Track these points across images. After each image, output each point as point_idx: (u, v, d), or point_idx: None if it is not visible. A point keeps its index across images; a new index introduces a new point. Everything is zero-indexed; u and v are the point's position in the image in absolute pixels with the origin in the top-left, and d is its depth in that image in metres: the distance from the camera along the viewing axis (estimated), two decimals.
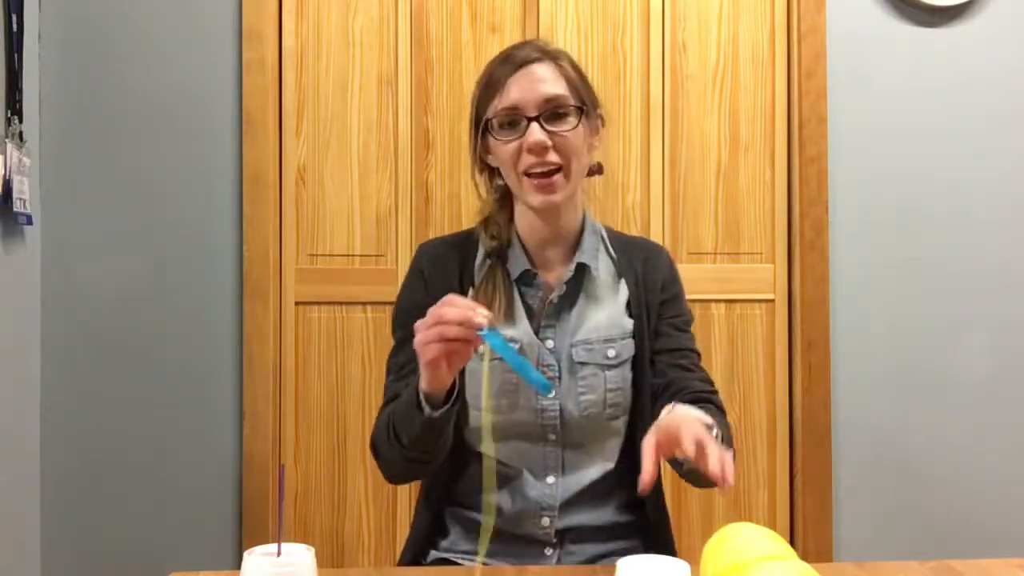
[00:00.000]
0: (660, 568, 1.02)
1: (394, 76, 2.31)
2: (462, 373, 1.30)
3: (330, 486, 2.29)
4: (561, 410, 1.40)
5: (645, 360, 1.45)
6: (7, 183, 1.97)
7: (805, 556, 1.12)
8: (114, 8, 2.22)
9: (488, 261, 1.45)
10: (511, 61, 1.40)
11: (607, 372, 1.41)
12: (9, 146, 1.99)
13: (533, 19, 2.33)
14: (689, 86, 2.37)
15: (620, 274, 1.48)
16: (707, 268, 2.34)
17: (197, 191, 2.24)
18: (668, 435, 1.13)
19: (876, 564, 1.33)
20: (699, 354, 1.50)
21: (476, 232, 1.49)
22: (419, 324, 1.19)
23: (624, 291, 1.47)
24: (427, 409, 1.24)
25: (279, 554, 1.02)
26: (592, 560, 1.41)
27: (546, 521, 1.40)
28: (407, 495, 2.28)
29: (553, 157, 1.37)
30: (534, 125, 1.36)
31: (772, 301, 2.38)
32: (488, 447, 1.38)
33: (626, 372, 1.43)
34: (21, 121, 2.04)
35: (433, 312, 1.18)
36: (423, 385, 1.23)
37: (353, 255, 2.30)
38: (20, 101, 2.04)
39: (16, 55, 2.03)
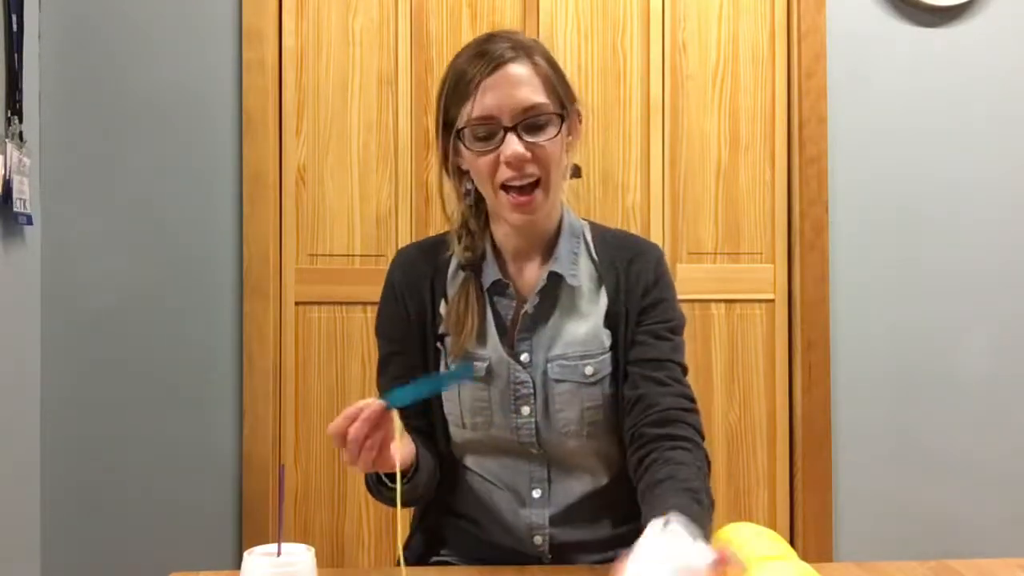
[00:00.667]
0: (681, 550, 0.99)
1: (394, 76, 2.31)
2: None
3: (330, 486, 2.29)
4: (537, 428, 1.35)
5: (621, 374, 1.36)
6: (7, 183, 1.97)
7: (805, 556, 1.12)
8: (114, 8, 2.22)
9: (461, 273, 1.37)
10: (483, 59, 1.28)
11: (584, 390, 1.34)
12: (9, 146, 1.99)
13: (533, 19, 2.33)
14: (689, 86, 2.37)
15: (601, 279, 1.38)
16: (707, 268, 2.34)
17: (197, 191, 2.24)
18: None
19: (876, 564, 1.33)
20: (683, 365, 1.37)
21: (449, 237, 1.40)
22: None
23: (604, 299, 1.37)
24: (388, 483, 1.23)
25: (279, 554, 1.02)
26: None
27: (539, 540, 1.37)
28: None
29: (532, 169, 1.27)
30: (511, 137, 1.26)
31: (772, 301, 2.38)
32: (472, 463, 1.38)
33: (605, 389, 1.35)
34: (21, 121, 2.04)
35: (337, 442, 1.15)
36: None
37: (353, 255, 2.30)
38: (20, 101, 2.04)
39: (16, 55, 2.03)
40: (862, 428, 2.36)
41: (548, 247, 1.38)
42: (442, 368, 1.36)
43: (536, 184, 1.29)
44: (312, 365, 2.29)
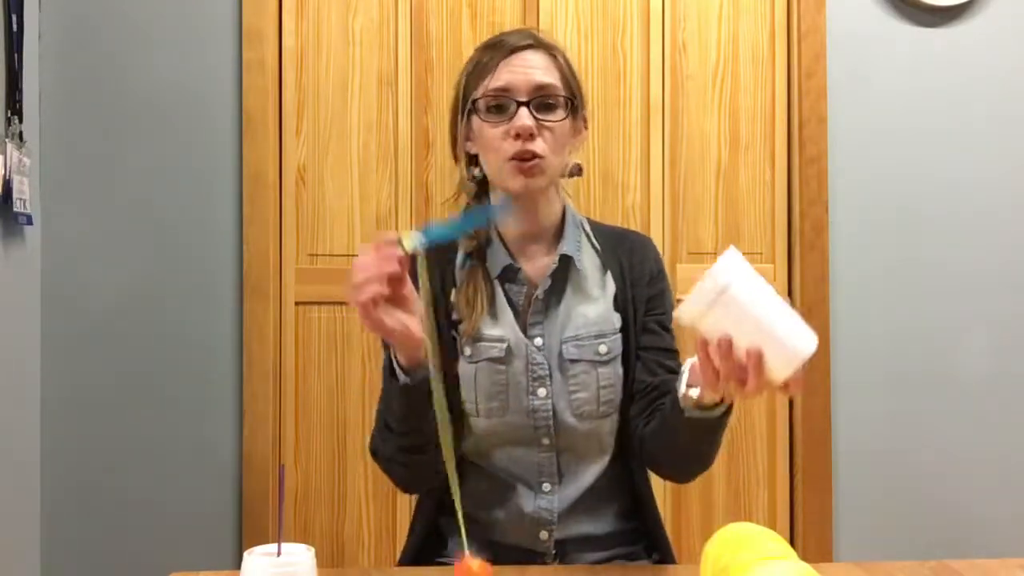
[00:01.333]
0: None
1: (394, 76, 2.31)
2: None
3: (330, 486, 2.29)
4: (554, 410, 1.37)
5: (632, 357, 1.41)
6: (7, 183, 1.97)
7: (805, 556, 1.12)
8: (114, 8, 2.22)
9: (469, 262, 1.40)
10: (504, 46, 1.37)
11: (599, 369, 1.38)
12: (9, 146, 1.99)
13: (533, 19, 2.33)
14: (689, 86, 2.37)
15: (605, 267, 1.44)
16: (707, 268, 2.34)
17: (197, 191, 2.24)
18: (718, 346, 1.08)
19: (876, 564, 1.33)
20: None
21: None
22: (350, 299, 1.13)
23: (611, 284, 1.43)
24: (401, 376, 1.20)
25: (279, 554, 1.02)
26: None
27: (544, 535, 1.38)
28: (407, 495, 2.28)
29: (538, 145, 1.34)
30: (523, 110, 1.33)
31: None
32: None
33: (617, 368, 1.40)
34: (21, 121, 2.04)
35: (348, 286, 1.11)
36: (400, 359, 1.20)
37: (353, 255, 2.28)
38: (20, 101, 2.04)
39: (16, 55, 2.03)
40: (862, 428, 2.36)
41: (554, 235, 1.43)
42: (460, 356, 1.37)
43: (540, 159, 1.35)
44: (312, 365, 2.29)
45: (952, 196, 2.39)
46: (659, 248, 1.56)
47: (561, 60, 1.40)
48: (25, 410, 2.15)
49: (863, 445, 2.36)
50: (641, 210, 2.34)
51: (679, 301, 1.17)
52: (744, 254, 1.13)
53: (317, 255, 2.30)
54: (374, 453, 1.37)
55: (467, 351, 1.36)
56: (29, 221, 2.08)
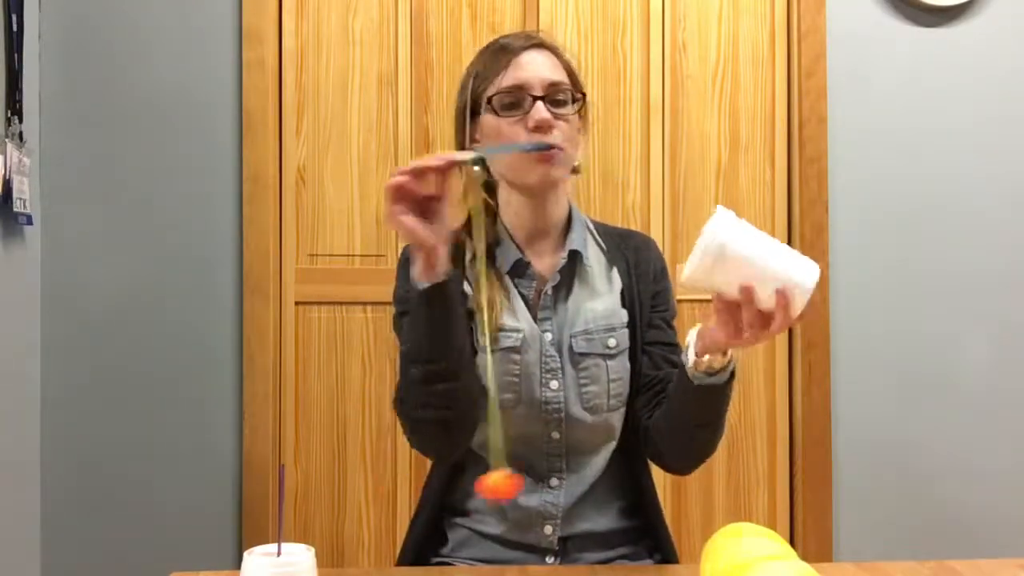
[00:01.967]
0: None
1: (394, 76, 2.31)
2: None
3: (330, 486, 2.29)
4: (565, 402, 1.38)
5: (638, 352, 1.44)
6: (7, 183, 1.97)
7: (805, 556, 1.12)
8: (114, 8, 2.22)
9: (477, 259, 1.40)
10: (511, 48, 1.40)
11: (608, 362, 1.40)
12: (9, 146, 1.99)
13: (533, 19, 2.33)
14: (689, 86, 2.37)
15: (611, 263, 1.46)
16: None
17: (197, 191, 2.24)
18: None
19: (876, 564, 1.33)
20: None
21: (460, 232, 1.43)
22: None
23: (617, 280, 1.45)
24: (420, 284, 1.20)
25: (279, 554, 1.02)
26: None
27: (548, 529, 1.39)
28: (407, 495, 2.28)
29: (555, 137, 1.36)
30: (539, 104, 1.36)
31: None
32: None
33: (625, 362, 1.42)
34: (21, 121, 2.04)
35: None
36: (415, 272, 1.20)
37: (353, 255, 2.30)
38: (20, 101, 2.04)
39: (16, 55, 2.03)
40: (862, 428, 2.36)
41: (561, 231, 1.45)
42: (476, 347, 1.36)
43: (556, 147, 1.36)
44: (312, 365, 2.29)
45: (952, 196, 2.39)
46: (659, 248, 1.56)
47: (565, 60, 1.43)
48: (25, 410, 2.15)
49: (863, 446, 2.36)
50: (641, 210, 2.34)
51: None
52: None
53: (317, 255, 2.30)
54: (401, 403, 1.31)
55: (482, 342, 1.37)
56: (29, 221, 2.08)
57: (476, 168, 1.20)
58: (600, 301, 1.42)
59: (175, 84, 2.23)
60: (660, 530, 1.46)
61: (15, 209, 2.00)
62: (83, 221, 2.21)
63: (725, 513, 2.36)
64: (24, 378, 2.14)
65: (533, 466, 1.39)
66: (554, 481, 1.39)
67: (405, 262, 1.45)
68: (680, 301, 1.61)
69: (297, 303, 2.29)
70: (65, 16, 2.20)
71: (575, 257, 1.43)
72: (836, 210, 2.35)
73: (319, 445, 2.29)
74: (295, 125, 2.30)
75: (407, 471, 2.29)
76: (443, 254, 1.19)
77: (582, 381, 1.39)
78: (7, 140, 1.99)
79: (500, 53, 1.40)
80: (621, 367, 1.41)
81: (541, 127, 1.35)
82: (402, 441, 2.29)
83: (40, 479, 2.19)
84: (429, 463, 1.51)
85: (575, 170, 1.46)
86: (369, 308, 2.29)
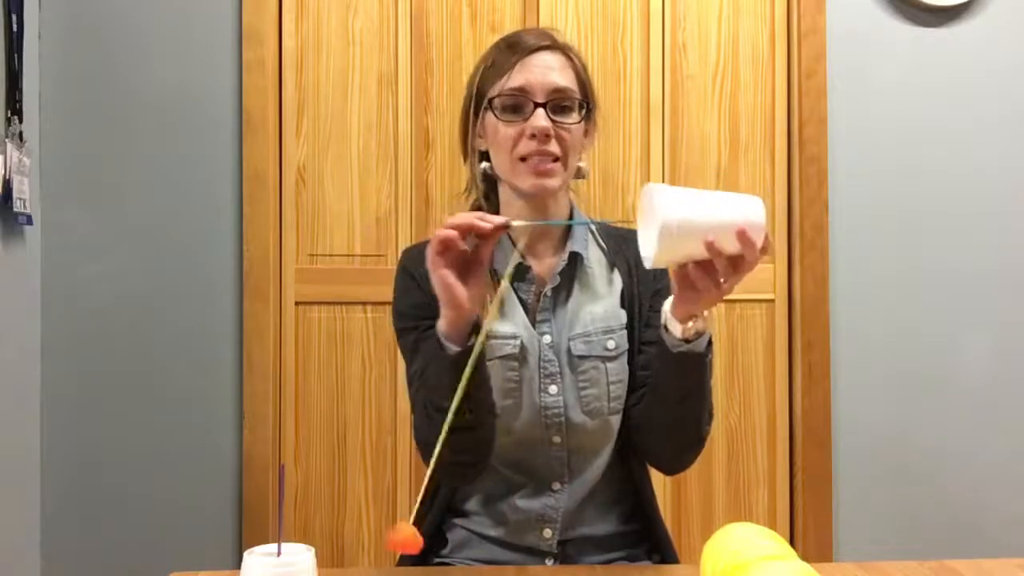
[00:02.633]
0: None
1: (394, 76, 2.31)
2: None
3: (330, 486, 2.29)
4: (565, 407, 1.37)
5: (636, 353, 1.43)
6: (7, 183, 1.97)
7: (805, 556, 1.12)
8: (114, 8, 2.22)
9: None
10: (522, 45, 1.38)
11: (608, 364, 1.39)
12: (9, 146, 1.99)
13: (533, 19, 2.33)
14: (689, 86, 2.37)
15: (612, 264, 1.45)
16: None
17: (197, 191, 2.24)
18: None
19: (876, 564, 1.33)
20: None
21: None
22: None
23: (618, 281, 1.44)
24: (449, 347, 1.18)
25: (279, 554, 1.02)
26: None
27: (547, 532, 1.38)
28: (407, 495, 2.28)
29: (553, 147, 1.35)
30: (540, 111, 1.34)
31: (772, 301, 2.38)
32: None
33: (624, 364, 1.41)
34: (21, 121, 2.04)
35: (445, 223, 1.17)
36: (441, 325, 1.19)
37: (353, 255, 2.30)
38: (20, 101, 2.04)
39: (16, 55, 2.03)
40: (862, 428, 2.36)
41: (562, 234, 1.44)
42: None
43: (554, 160, 1.36)
44: (312, 365, 2.29)
45: (952, 196, 2.39)
46: None
47: (577, 62, 1.42)
48: (25, 410, 2.15)
49: (863, 445, 2.36)
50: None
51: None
52: None
53: (317, 255, 2.30)
54: (425, 445, 1.27)
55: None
56: (29, 221, 2.08)
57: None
58: (600, 303, 1.42)
59: (175, 84, 2.23)
60: (659, 533, 1.45)
61: (15, 209, 2.00)
62: (83, 221, 2.21)
63: (725, 513, 2.36)
64: (24, 378, 2.14)
65: (535, 471, 1.39)
66: (556, 485, 1.39)
67: (403, 271, 1.45)
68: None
69: (297, 303, 2.29)
70: (65, 16, 2.20)
71: (575, 259, 1.42)
72: (836, 210, 2.35)
73: (319, 445, 2.29)
74: (295, 125, 2.30)
75: (407, 471, 2.29)
76: (471, 316, 1.18)
77: (581, 385, 1.38)
78: (7, 140, 1.99)
79: (511, 50, 1.38)
80: (620, 369, 1.40)
81: (537, 136, 1.34)
82: (402, 441, 2.29)
83: (40, 479, 2.19)
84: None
85: (579, 173, 1.46)
86: (369, 308, 2.29)
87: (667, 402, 1.32)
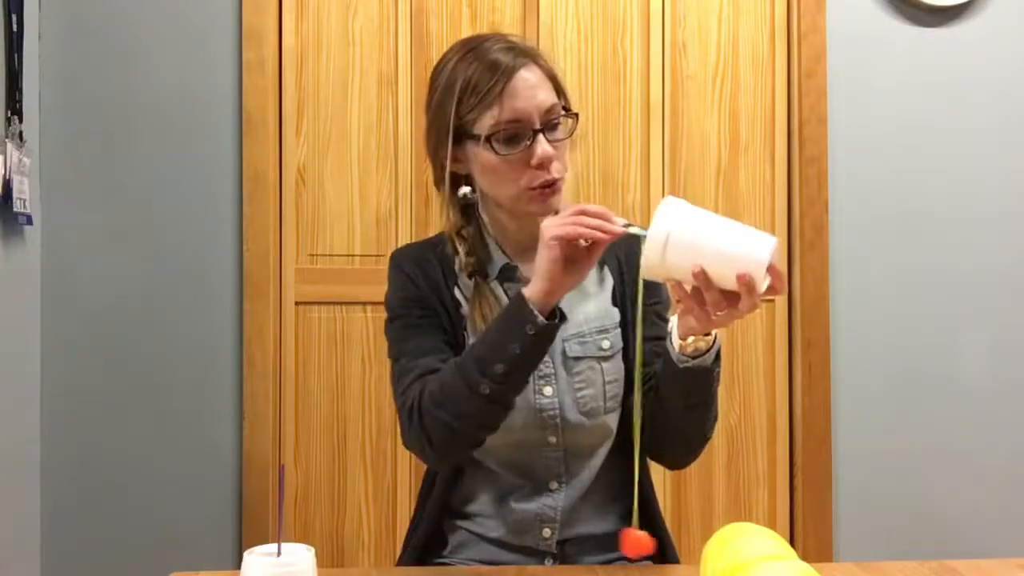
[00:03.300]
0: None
1: (394, 76, 2.31)
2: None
3: (330, 486, 2.29)
4: (561, 408, 1.37)
5: (631, 351, 1.41)
6: (7, 183, 1.97)
7: (805, 556, 1.12)
8: (114, 8, 2.22)
9: (473, 279, 1.39)
10: (498, 67, 1.31)
11: (603, 364, 1.39)
12: (9, 146, 1.99)
13: (533, 19, 2.33)
14: (689, 86, 2.37)
15: (602, 262, 1.44)
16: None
17: (197, 191, 2.24)
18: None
19: (876, 564, 1.33)
20: None
21: (446, 237, 1.44)
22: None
23: (609, 279, 1.43)
24: (539, 317, 1.20)
25: (279, 554, 1.02)
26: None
27: (547, 532, 1.38)
28: (407, 495, 2.28)
29: (557, 169, 1.33)
30: (540, 137, 1.31)
31: (772, 301, 2.38)
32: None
33: (619, 363, 1.40)
34: (21, 121, 2.04)
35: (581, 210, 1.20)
36: (527, 291, 1.21)
37: (353, 255, 2.30)
38: (20, 101, 2.04)
39: (16, 55, 2.03)
40: (862, 428, 2.36)
41: None
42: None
43: (556, 179, 1.34)
44: (312, 365, 2.29)
45: (952, 196, 2.39)
46: None
47: (547, 67, 1.37)
48: (25, 410, 2.15)
49: (863, 445, 2.36)
50: (641, 210, 2.34)
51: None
52: None
53: (317, 255, 2.30)
54: (434, 405, 1.28)
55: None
56: (29, 221, 2.08)
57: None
58: (592, 303, 1.41)
59: (175, 84, 2.23)
60: (659, 532, 1.45)
61: (15, 209, 2.00)
62: (83, 221, 2.21)
63: (725, 513, 2.36)
64: (24, 378, 2.14)
65: (532, 471, 1.39)
66: (553, 485, 1.39)
67: (396, 267, 1.45)
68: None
69: (297, 303, 2.29)
70: (65, 16, 2.20)
71: None
72: (836, 210, 2.35)
73: (319, 445, 2.29)
74: (295, 125, 2.30)
75: (407, 471, 2.29)
76: (556, 299, 1.22)
77: (577, 385, 1.38)
78: (7, 140, 1.99)
79: (490, 71, 1.31)
80: (615, 368, 1.40)
81: (544, 164, 1.31)
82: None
83: (40, 479, 2.19)
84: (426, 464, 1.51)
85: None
86: (369, 308, 2.29)
87: (673, 410, 1.32)
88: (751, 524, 1.13)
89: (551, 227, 1.20)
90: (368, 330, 2.29)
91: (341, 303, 2.29)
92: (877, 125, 2.37)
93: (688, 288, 1.16)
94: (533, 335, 1.21)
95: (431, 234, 1.55)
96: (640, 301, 1.24)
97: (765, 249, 1.10)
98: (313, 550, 1.04)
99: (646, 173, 2.35)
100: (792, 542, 2.31)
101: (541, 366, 1.36)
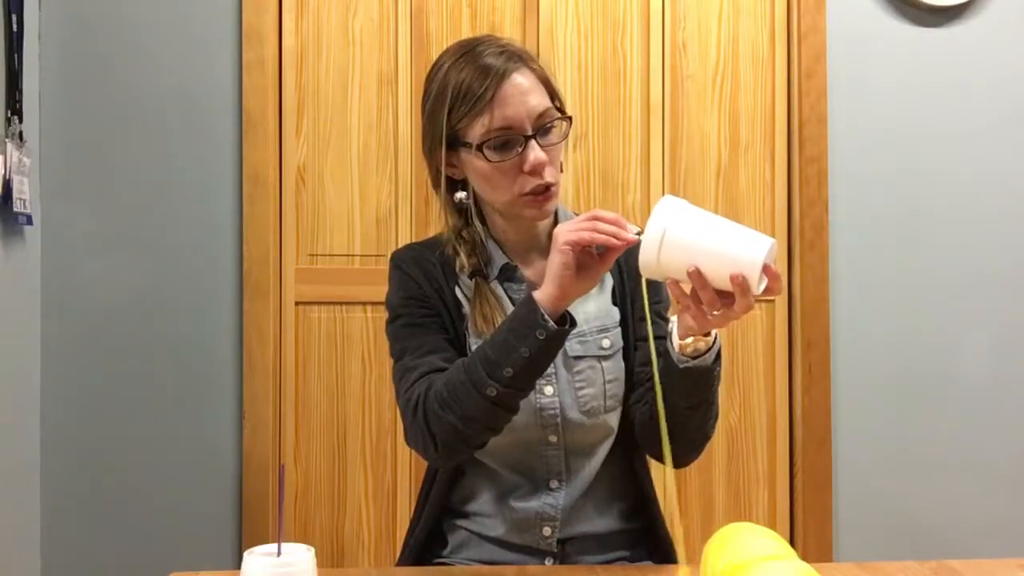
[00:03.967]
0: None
1: (394, 76, 2.31)
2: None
3: (330, 486, 2.29)
4: (561, 408, 1.38)
5: (631, 350, 1.42)
6: (7, 183, 1.97)
7: (805, 556, 1.12)
8: (114, 8, 2.22)
9: (472, 280, 1.40)
10: (489, 72, 1.31)
11: (604, 363, 1.39)
12: (9, 146, 1.99)
13: (533, 19, 2.33)
14: (689, 86, 2.37)
15: None
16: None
17: (197, 191, 2.24)
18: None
19: (876, 564, 1.33)
20: None
21: (444, 239, 1.44)
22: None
23: (608, 279, 1.44)
24: (550, 322, 1.19)
25: (279, 554, 1.02)
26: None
27: (547, 531, 1.38)
28: (407, 495, 2.28)
29: (550, 174, 1.33)
30: (532, 143, 1.31)
31: (772, 301, 2.38)
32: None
33: (620, 361, 1.41)
34: (21, 121, 2.04)
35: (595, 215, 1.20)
36: (538, 295, 1.21)
37: (353, 255, 2.30)
38: (20, 101, 2.04)
39: (16, 55, 2.03)
40: (862, 428, 2.36)
41: (548, 237, 1.42)
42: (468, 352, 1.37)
43: (550, 184, 1.34)
44: (312, 365, 2.29)
45: (952, 196, 2.39)
46: None
47: (539, 71, 1.37)
48: (25, 410, 2.15)
49: (863, 445, 2.36)
50: (641, 210, 2.34)
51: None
52: None
53: (317, 255, 2.30)
54: (440, 406, 1.27)
55: (473, 348, 1.37)
56: (29, 221, 2.08)
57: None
58: (592, 302, 1.41)
59: (175, 84, 2.23)
60: (660, 532, 1.45)
61: (15, 209, 2.00)
62: (83, 221, 2.21)
63: (725, 513, 2.36)
64: (24, 378, 2.14)
65: (533, 470, 1.39)
66: (554, 483, 1.39)
67: (396, 267, 1.45)
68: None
69: (297, 303, 2.29)
70: (65, 16, 2.20)
71: None
72: (836, 210, 2.35)
73: (319, 445, 2.29)
74: (295, 125, 2.30)
75: (407, 471, 2.30)
76: (566, 304, 1.22)
77: (578, 384, 1.38)
78: (7, 140, 1.99)
79: (481, 78, 1.31)
80: (616, 367, 1.40)
81: (537, 171, 1.31)
82: (403, 441, 2.29)
83: (40, 479, 2.19)
84: (427, 464, 1.51)
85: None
86: (369, 308, 2.29)
87: (674, 410, 1.32)
88: (751, 524, 1.13)
89: (564, 232, 1.20)
90: (368, 330, 2.29)
91: (341, 303, 2.29)
92: (877, 125, 2.37)
93: (687, 288, 1.16)
94: (543, 340, 1.20)
95: (431, 234, 1.55)
96: (647, 300, 1.24)
97: (761, 250, 1.10)
98: (313, 550, 1.04)
99: (646, 173, 2.35)
100: (792, 542, 2.31)
101: None
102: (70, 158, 2.21)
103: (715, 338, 1.26)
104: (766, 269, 1.11)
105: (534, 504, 1.38)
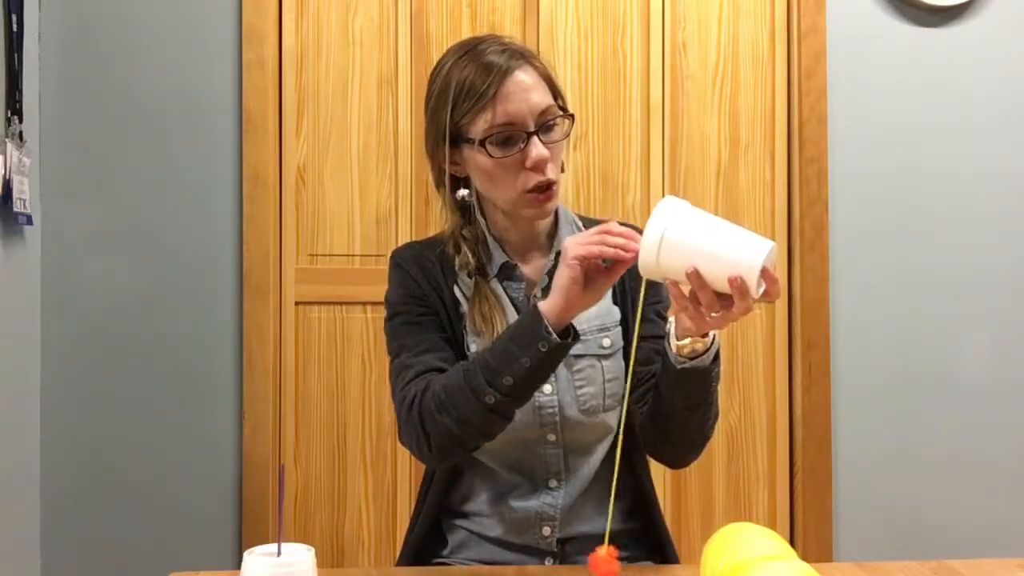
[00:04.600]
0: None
1: (394, 76, 2.31)
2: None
3: (330, 486, 2.29)
4: (560, 407, 1.38)
5: (632, 349, 1.42)
6: (7, 183, 1.97)
7: (805, 556, 1.12)
8: (114, 8, 2.22)
9: (472, 278, 1.40)
10: (492, 69, 1.32)
11: (603, 362, 1.39)
12: (9, 146, 1.99)
13: (533, 19, 2.33)
14: (689, 86, 2.37)
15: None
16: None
17: (197, 191, 2.24)
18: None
19: (876, 564, 1.33)
20: None
21: (444, 239, 1.45)
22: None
23: None
24: (553, 335, 1.19)
25: (279, 554, 1.02)
26: None
27: (547, 531, 1.38)
28: (407, 495, 2.28)
29: (551, 171, 1.33)
30: (534, 139, 1.31)
31: (771, 303, 2.38)
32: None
33: (619, 361, 1.41)
34: (21, 121, 2.04)
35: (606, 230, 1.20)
36: (544, 306, 1.21)
37: (353, 255, 2.30)
38: (20, 101, 2.04)
39: (16, 55, 2.03)
40: (862, 428, 2.36)
41: (548, 235, 1.44)
42: (467, 352, 1.37)
43: (552, 182, 1.35)
44: (312, 365, 2.29)
45: (952, 196, 2.39)
46: None
47: (542, 68, 1.37)
48: (25, 410, 2.15)
49: (863, 445, 2.36)
50: (641, 210, 2.34)
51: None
52: None
53: (317, 255, 2.30)
54: (437, 409, 1.27)
55: (472, 348, 1.37)
56: (29, 221, 2.08)
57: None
58: None
59: (175, 84, 2.23)
60: (660, 532, 1.45)
61: (15, 209, 2.00)
62: (83, 221, 2.21)
63: (725, 513, 2.36)
64: (24, 378, 2.14)
65: (532, 469, 1.39)
66: (553, 483, 1.39)
67: (396, 265, 1.46)
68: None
69: (297, 303, 2.29)
70: (65, 16, 2.20)
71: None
72: (836, 210, 2.35)
73: (319, 445, 2.29)
74: (295, 125, 2.30)
75: (407, 471, 2.30)
76: (573, 316, 1.22)
77: (577, 383, 1.38)
78: (7, 140, 1.99)
79: (484, 74, 1.32)
80: (616, 366, 1.40)
81: (538, 167, 1.31)
82: None
83: (40, 479, 2.19)
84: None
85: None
86: (369, 308, 2.29)
87: (673, 410, 1.32)
88: (751, 524, 1.13)
89: (574, 246, 1.20)
90: (368, 330, 2.29)
91: (341, 303, 2.29)
92: (877, 125, 2.37)
93: (685, 289, 1.16)
94: (545, 352, 1.21)
95: (431, 234, 1.55)
96: (641, 300, 1.24)
97: (759, 253, 1.10)
98: (313, 550, 1.04)
99: (646, 173, 2.35)
100: (792, 542, 2.31)
101: None
102: (70, 158, 2.21)
103: (713, 339, 1.26)
104: (764, 273, 1.11)
105: (533, 504, 1.38)
